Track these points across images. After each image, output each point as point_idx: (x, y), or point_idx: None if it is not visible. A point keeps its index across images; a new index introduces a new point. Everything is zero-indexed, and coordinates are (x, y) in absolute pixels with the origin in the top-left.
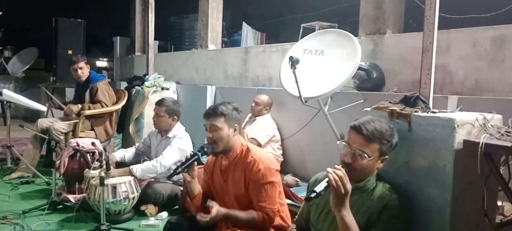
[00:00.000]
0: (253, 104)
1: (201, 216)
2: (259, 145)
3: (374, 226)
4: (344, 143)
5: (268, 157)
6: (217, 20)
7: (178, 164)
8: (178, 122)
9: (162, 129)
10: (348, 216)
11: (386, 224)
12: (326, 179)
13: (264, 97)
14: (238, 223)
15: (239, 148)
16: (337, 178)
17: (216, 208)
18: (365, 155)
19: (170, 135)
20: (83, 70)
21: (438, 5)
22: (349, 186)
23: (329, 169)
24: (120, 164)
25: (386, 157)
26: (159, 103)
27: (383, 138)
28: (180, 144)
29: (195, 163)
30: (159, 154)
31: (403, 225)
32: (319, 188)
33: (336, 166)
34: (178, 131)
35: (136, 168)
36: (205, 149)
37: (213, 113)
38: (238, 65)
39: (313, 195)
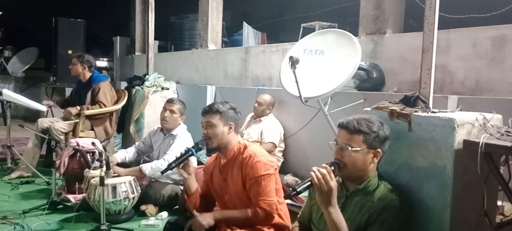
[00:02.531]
0: (256, 105)
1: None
2: (275, 146)
3: (371, 225)
4: (334, 141)
5: (263, 152)
6: (217, 20)
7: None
8: (182, 123)
9: (170, 127)
10: (335, 212)
11: (382, 223)
12: (309, 178)
13: (266, 97)
14: (233, 223)
15: (236, 146)
16: (320, 176)
17: (207, 220)
18: (349, 147)
19: (174, 133)
20: (74, 68)
21: (438, 5)
22: (332, 183)
23: (314, 168)
24: (121, 165)
25: (378, 150)
26: (171, 100)
27: (367, 128)
28: (184, 142)
29: (190, 159)
30: (162, 152)
31: (399, 226)
32: (300, 186)
33: (323, 165)
34: (182, 130)
35: (146, 166)
36: (200, 145)
37: (209, 110)
38: (238, 65)
39: (293, 193)
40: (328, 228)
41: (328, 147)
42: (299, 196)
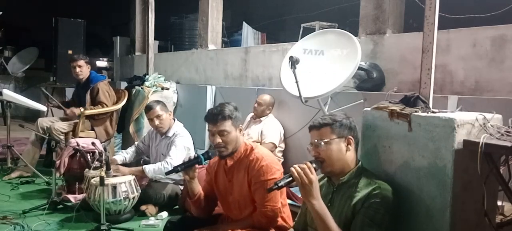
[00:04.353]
0: (256, 105)
1: None
2: (275, 146)
3: (357, 214)
4: (309, 144)
5: (270, 155)
6: (217, 20)
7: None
8: (175, 119)
9: (166, 129)
10: (318, 204)
11: (367, 209)
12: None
13: (266, 97)
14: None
15: (243, 147)
16: (299, 170)
17: None
18: (321, 142)
19: (170, 133)
20: (82, 69)
21: (438, 5)
22: (312, 176)
23: (294, 165)
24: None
25: (349, 137)
26: (150, 108)
27: (331, 120)
28: (183, 142)
29: (196, 165)
30: (159, 153)
31: (385, 211)
32: (281, 181)
33: (303, 162)
34: (178, 129)
35: (149, 168)
36: (210, 154)
37: (221, 117)
38: (238, 65)
39: (274, 187)
40: (314, 219)
41: (308, 152)
42: (299, 196)
